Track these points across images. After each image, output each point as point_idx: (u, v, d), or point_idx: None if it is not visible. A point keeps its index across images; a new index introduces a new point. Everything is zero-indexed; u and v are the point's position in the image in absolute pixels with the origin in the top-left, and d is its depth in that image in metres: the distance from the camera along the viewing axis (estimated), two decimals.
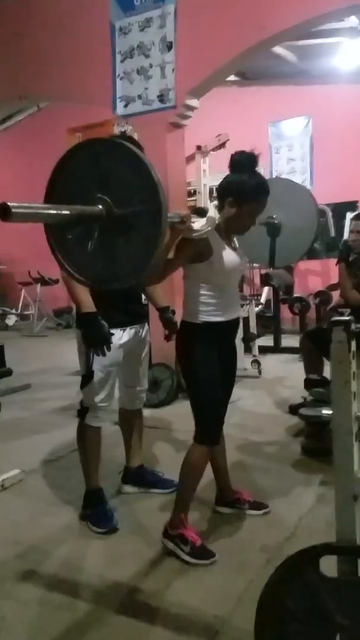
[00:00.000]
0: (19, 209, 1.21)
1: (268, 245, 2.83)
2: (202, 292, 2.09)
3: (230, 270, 2.11)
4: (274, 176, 7.71)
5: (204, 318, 2.10)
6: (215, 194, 6.60)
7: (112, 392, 2.45)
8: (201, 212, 1.93)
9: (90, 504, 2.44)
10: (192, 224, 1.88)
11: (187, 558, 2.06)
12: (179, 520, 2.13)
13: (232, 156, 2.11)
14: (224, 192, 2.09)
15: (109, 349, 2.23)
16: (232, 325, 2.22)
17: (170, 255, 1.94)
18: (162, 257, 1.83)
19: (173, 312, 2.60)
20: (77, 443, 2.48)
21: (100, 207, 1.46)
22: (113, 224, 1.47)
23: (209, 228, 1.93)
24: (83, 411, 2.42)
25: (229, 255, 2.09)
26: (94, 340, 2.23)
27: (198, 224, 1.90)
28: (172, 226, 1.81)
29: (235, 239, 2.21)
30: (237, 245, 2.21)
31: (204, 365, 2.10)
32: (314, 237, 2.90)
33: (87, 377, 2.37)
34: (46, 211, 1.42)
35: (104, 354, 2.23)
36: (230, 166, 2.11)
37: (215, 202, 2.17)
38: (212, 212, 1.98)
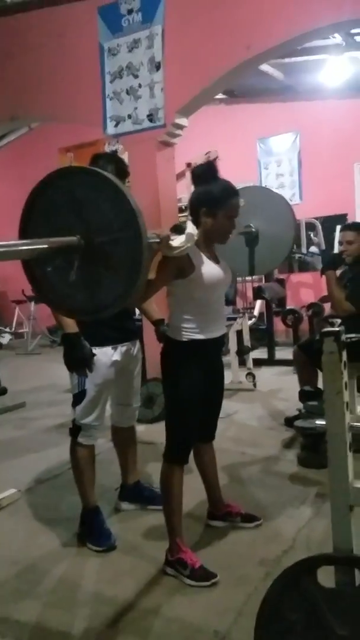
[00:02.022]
0: None
1: (247, 254, 2.84)
2: (186, 308, 2.08)
3: (214, 284, 2.10)
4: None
5: (188, 336, 2.08)
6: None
7: (104, 410, 2.43)
8: (179, 230, 1.93)
9: (87, 523, 2.42)
10: (171, 242, 1.87)
11: (187, 581, 2.04)
12: (175, 545, 2.12)
13: (192, 172, 2.14)
14: (196, 206, 2.10)
15: (90, 370, 2.22)
16: (217, 342, 2.20)
17: (151, 275, 1.92)
18: (142, 279, 1.84)
19: (168, 325, 2.62)
20: (71, 462, 2.46)
21: (77, 237, 1.42)
22: (93, 253, 1.43)
23: (189, 244, 1.91)
24: (75, 430, 2.40)
25: (212, 269, 2.08)
26: (73, 362, 2.22)
27: (177, 241, 1.88)
28: (151, 246, 1.79)
29: (217, 252, 2.20)
30: (219, 258, 2.19)
31: (185, 385, 2.09)
32: (293, 243, 2.91)
33: (78, 395, 2.36)
34: (22, 247, 1.37)
35: (85, 375, 2.23)
36: (193, 181, 2.14)
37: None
38: (191, 228, 1.98)
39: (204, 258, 2.08)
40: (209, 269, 2.07)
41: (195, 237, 1.96)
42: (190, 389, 2.09)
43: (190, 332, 2.08)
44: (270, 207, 2.91)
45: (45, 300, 1.60)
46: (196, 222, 2.10)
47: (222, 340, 2.26)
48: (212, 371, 2.23)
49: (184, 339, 2.09)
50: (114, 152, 8.32)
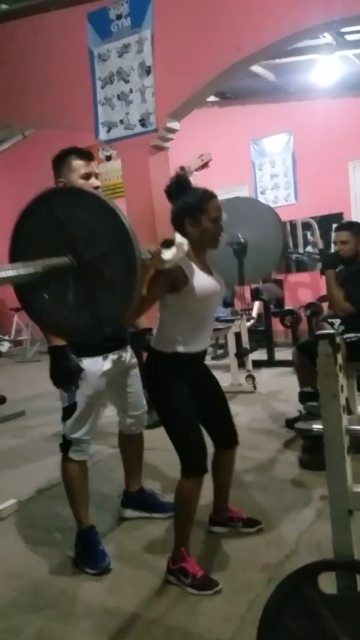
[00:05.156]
0: None
1: (236, 264, 2.87)
2: (178, 321, 2.07)
3: (208, 296, 2.09)
4: (258, 191, 7.79)
5: (173, 348, 2.08)
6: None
7: (96, 423, 2.34)
8: (169, 244, 1.93)
9: (81, 545, 2.32)
10: (163, 255, 1.86)
11: (190, 590, 2.02)
12: (179, 554, 2.08)
13: (166, 191, 2.14)
14: (179, 219, 2.10)
15: (76, 386, 2.16)
16: (201, 354, 2.21)
17: (144, 292, 1.91)
18: (140, 283, 1.83)
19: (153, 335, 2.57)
20: (62, 479, 2.36)
21: (68, 256, 1.42)
22: (86, 270, 1.42)
23: (181, 255, 1.91)
24: (66, 445, 2.30)
25: (205, 281, 2.08)
26: (59, 377, 2.13)
27: (168, 253, 1.88)
28: (143, 263, 1.77)
29: (209, 264, 2.20)
30: (212, 270, 2.19)
31: (175, 397, 2.07)
32: (281, 252, 2.92)
33: (69, 409, 2.27)
34: (13, 271, 1.35)
35: (70, 391, 2.18)
36: (169, 198, 2.14)
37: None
38: (180, 239, 2.00)
39: (197, 270, 2.07)
40: (203, 280, 2.07)
41: (186, 247, 1.96)
42: (180, 400, 2.07)
43: (176, 344, 2.08)
44: (256, 217, 2.92)
45: (47, 329, 1.58)
46: (184, 236, 2.08)
47: (205, 352, 2.26)
48: (200, 377, 2.22)
49: (168, 351, 2.09)
50: (108, 157, 8.32)
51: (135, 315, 2.02)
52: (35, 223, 1.49)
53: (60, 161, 2.30)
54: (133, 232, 1.40)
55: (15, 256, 1.51)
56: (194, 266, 2.07)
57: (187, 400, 2.09)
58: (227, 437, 2.33)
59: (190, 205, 2.07)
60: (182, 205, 2.09)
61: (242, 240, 2.84)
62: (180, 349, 2.08)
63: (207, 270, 2.15)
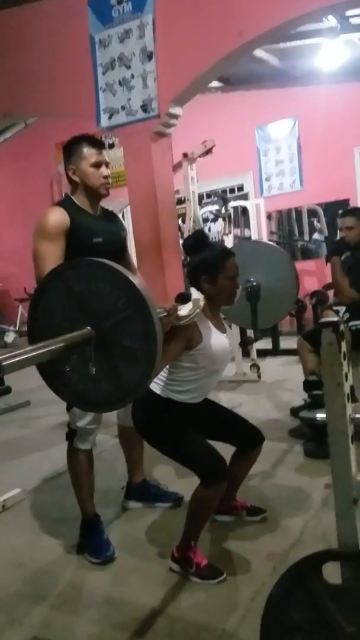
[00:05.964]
0: (9, 360, 1.24)
1: (249, 308, 2.88)
2: (186, 374, 2.08)
3: (220, 355, 2.10)
4: (263, 178, 7.73)
5: (169, 395, 2.09)
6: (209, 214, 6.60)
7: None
8: (185, 299, 1.96)
9: (85, 534, 2.32)
10: (179, 312, 1.87)
11: (194, 579, 2.02)
12: (187, 544, 2.07)
13: (183, 245, 2.18)
14: (196, 275, 2.11)
15: None
16: (201, 402, 2.20)
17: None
18: (160, 349, 1.85)
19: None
20: (68, 468, 2.36)
21: (88, 328, 1.43)
22: (106, 339, 1.43)
23: (197, 311, 1.92)
24: (71, 434, 2.30)
25: (219, 340, 2.09)
26: None
27: (185, 309, 1.89)
28: (161, 321, 1.76)
29: (224, 321, 2.20)
30: (226, 326, 2.20)
31: (171, 427, 2.07)
32: (297, 288, 2.91)
33: None
34: (37, 352, 1.36)
35: None
36: (186, 253, 2.17)
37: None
38: (196, 294, 2.08)
39: (212, 328, 2.08)
40: (217, 339, 2.08)
41: (202, 303, 1.97)
42: (176, 424, 2.07)
43: (178, 394, 2.09)
44: (265, 259, 2.92)
45: (72, 403, 1.62)
46: (199, 291, 2.11)
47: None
48: (201, 407, 2.20)
49: (167, 397, 2.09)
50: (110, 145, 8.25)
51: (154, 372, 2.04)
52: (51, 299, 1.51)
53: (72, 148, 2.28)
54: (149, 297, 1.41)
55: (34, 333, 1.51)
56: (209, 323, 2.08)
57: (182, 422, 2.09)
58: (252, 436, 2.29)
59: (208, 262, 2.08)
60: (199, 262, 2.10)
61: (255, 284, 2.83)
62: (180, 398, 2.10)
63: (221, 327, 2.16)
